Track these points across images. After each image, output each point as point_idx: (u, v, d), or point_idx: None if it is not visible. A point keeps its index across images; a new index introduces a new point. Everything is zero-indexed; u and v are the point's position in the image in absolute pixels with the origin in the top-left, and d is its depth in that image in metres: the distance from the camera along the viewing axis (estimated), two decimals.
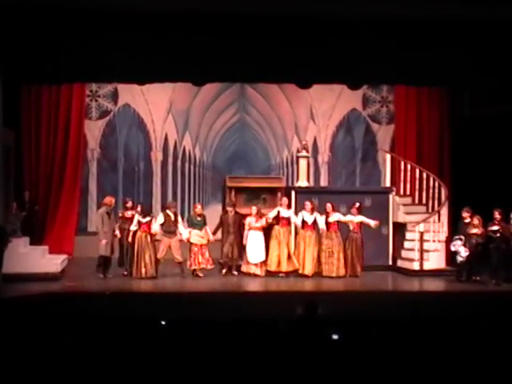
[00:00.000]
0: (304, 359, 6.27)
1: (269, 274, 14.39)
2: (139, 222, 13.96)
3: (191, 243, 14.20)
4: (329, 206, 14.48)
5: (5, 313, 9.01)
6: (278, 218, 14.58)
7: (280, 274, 14.36)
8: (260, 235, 14.47)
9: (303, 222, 14.46)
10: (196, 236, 14.24)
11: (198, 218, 14.40)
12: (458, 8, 13.02)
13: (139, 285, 13.53)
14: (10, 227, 13.90)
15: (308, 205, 14.47)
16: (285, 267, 14.39)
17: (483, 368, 6.31)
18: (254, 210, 14.51)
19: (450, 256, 14.40)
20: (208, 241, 14.32)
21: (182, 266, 14.16)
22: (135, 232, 13.94)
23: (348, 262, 14.43)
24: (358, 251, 14.45)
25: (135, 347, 6.57)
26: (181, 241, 14.26)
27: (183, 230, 14.22)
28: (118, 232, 14.11)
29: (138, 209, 14.19)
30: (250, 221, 14.44)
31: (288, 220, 14.59)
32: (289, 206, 14.70)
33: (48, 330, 7.13)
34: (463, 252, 13.65)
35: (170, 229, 14.19)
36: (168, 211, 14.35)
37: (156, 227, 14.07)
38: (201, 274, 14.22)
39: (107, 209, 14.11)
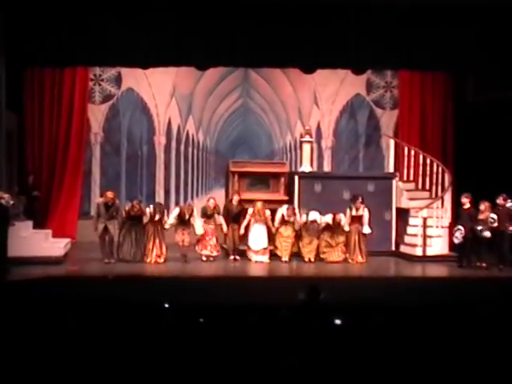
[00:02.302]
0: (306, 344, 6.27)
1: (273, 257, 14.44)
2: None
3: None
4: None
5: (8, 296, 9.02)
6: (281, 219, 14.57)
7: (283, 259, 14.39)
8: (263, 226, 14.50)
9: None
10: (204, 224, 14.32)
11: (210, 212, 14.42)
12: None
13: (142, 269, 13.53)
14: (13, 211, 13.89)
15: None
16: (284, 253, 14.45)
17: (485, 353, 6.31)
18: (258, 204, 14.45)
19: (453, 242, 14.35)
20: (215, 226, 14.38)
21: (186, 252, 14.18)
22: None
23: (350, 247, 14.45)
24: (360, 237, 14.47)
25: (138, 331, 6.57)
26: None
27: (198, 226, 14.21)
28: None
29: (150, 209, 14.15)
30: (252, 212, 14.45)
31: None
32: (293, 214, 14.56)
33: (50, 313, 7.14)
34: (485, 231, 13.58)
35: (183, 222, 14.21)
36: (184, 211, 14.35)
37: (171, 220, 14.16)
38: (204, 259, 14.25)
39: (105, 201, 14.02)
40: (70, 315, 7.00)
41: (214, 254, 14.37)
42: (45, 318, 6.93)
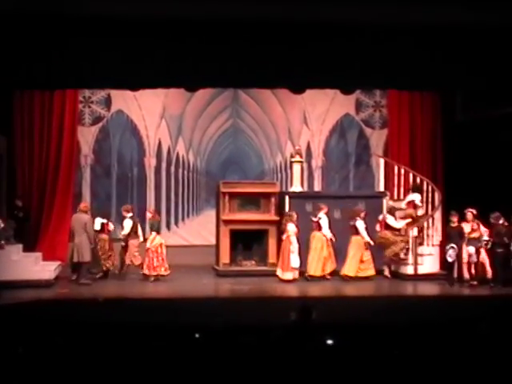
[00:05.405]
0: (299, 365, 6.25)
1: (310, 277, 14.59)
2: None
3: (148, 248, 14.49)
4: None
5: None
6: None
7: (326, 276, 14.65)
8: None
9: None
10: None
11: (150, 222, 14.87)
12: (450, 14, 13.06)
13: (133, 290, 13.52)
14: (3, 234, 13.85)
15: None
16: (324, 270, 14.65)
17: (478, 370, 6.30)
18: (294, 216, 14.59)
19: (444, 261, 14.40)
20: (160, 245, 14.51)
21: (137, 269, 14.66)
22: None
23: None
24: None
25: (130, 353, 6.55)
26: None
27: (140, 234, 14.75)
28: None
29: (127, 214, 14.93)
30: (291, 227, 14.48)
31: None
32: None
33: (41, 337, 7.10)
34: (474, 256, 13.72)
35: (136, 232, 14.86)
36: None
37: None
38: (151, 279, 14.28)
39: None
40: (60, 338, 6.97)
41: (153, 273, 14.30)
42: (36, 342, 6.89)
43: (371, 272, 14.74)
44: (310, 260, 14.60)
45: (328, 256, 14.63)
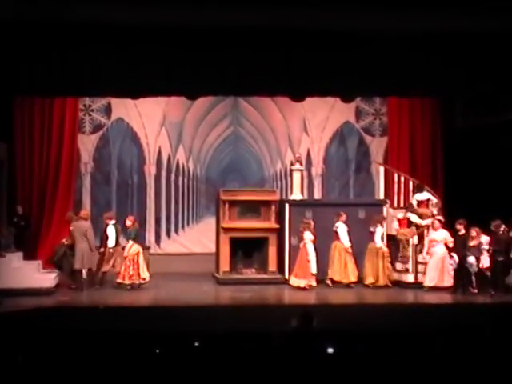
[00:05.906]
0: (300, 372, 6.25)
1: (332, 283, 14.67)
2: None
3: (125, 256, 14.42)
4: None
5: None
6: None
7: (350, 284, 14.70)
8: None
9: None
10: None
11: (128, 230, 14.74)
12: (449, 21, 13.10)
13: (133, 298, 13.50)
14: (3, 241, 13.84)
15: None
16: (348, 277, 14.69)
17: (479, 378, 6.30)
18: (311, 224, 14.62)
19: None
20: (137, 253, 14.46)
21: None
22: None
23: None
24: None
25: (132, 360, 6.54)
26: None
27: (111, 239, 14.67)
28: None
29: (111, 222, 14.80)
30: (308, 235, 14.49)
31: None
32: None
33: (41, 345, 7.10)
34: (475, 264, 13.73)
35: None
36: None
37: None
38: (127, 287, 14.20)
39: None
40: (61, 346, 6.96)
41: (128, 282, 14.20)
42: (36, 350, 6.88)
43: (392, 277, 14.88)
44: (335, 268, 14.65)
45: (350, 264, 14.65)
